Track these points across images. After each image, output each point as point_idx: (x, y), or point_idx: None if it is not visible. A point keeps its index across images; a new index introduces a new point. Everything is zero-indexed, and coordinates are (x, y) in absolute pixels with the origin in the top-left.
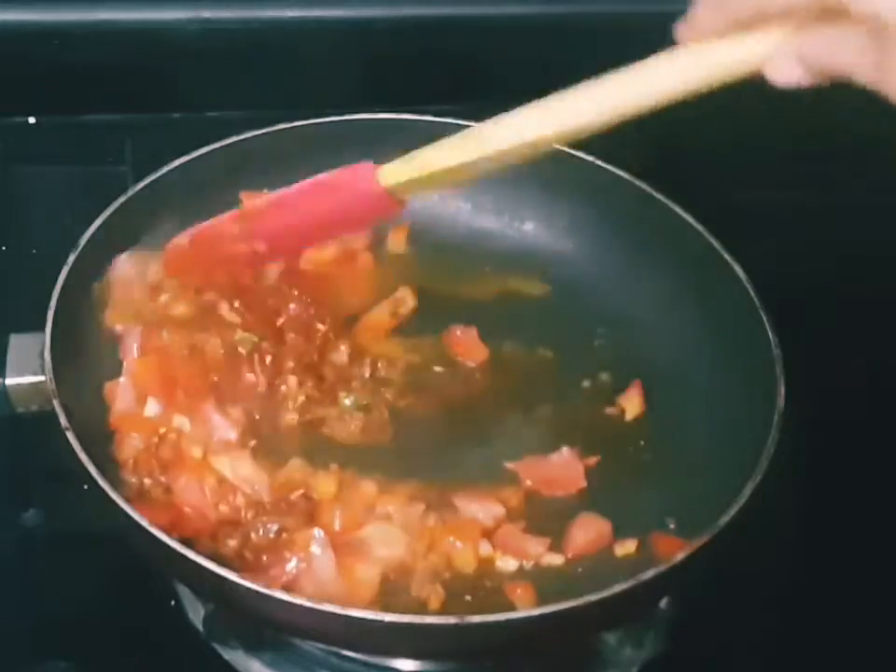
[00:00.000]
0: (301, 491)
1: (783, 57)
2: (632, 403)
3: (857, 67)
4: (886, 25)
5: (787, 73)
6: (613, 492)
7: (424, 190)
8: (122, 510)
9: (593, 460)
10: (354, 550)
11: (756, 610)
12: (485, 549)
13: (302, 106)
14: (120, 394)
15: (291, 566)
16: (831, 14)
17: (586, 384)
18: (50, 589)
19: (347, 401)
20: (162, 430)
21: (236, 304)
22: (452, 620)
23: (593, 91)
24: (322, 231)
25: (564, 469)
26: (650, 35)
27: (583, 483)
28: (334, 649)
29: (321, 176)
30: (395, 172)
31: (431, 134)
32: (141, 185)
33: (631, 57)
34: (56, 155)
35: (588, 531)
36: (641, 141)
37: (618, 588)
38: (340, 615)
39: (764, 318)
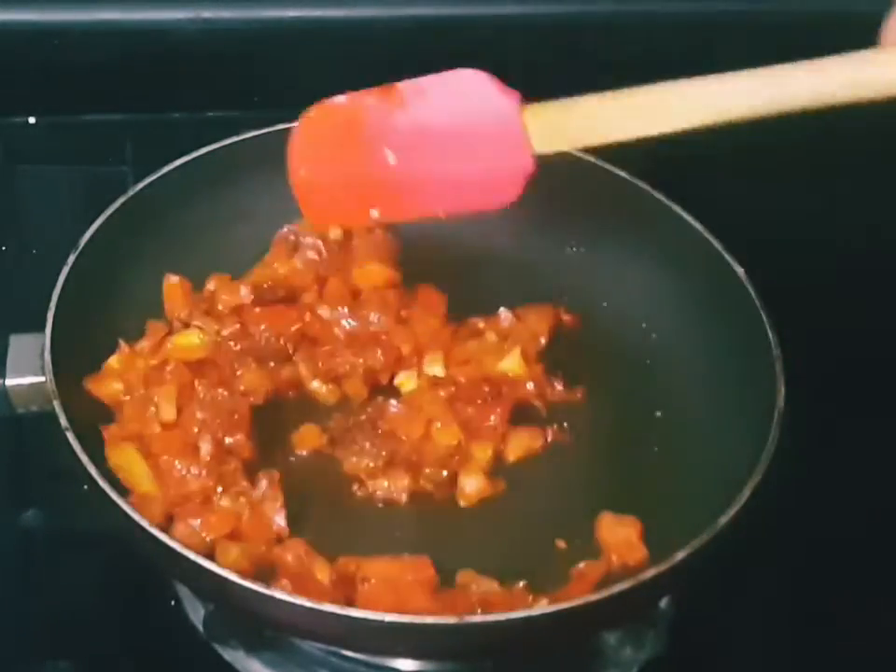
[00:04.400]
0: None
1: None
2: None
3: None
4: None
5: None
6: (615, 491)
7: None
8: (122, 510)
9: None
10: None
11: (756, 610)
12: None
13: (302, 106)
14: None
15: None
16: None
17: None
18: (50, 589)
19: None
20: None
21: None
22: (452, 620)
23: (768, 78)
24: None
25: None
26: (649, 35)
27: None
28: (334, 649)
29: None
30: (547, 141)
31: None
32: (141, 185)
33: (631, 57)
34: (56, 155)
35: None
36: (642, 141)
37: (618, 588)
38: (340, 615)
39: (764, 318)
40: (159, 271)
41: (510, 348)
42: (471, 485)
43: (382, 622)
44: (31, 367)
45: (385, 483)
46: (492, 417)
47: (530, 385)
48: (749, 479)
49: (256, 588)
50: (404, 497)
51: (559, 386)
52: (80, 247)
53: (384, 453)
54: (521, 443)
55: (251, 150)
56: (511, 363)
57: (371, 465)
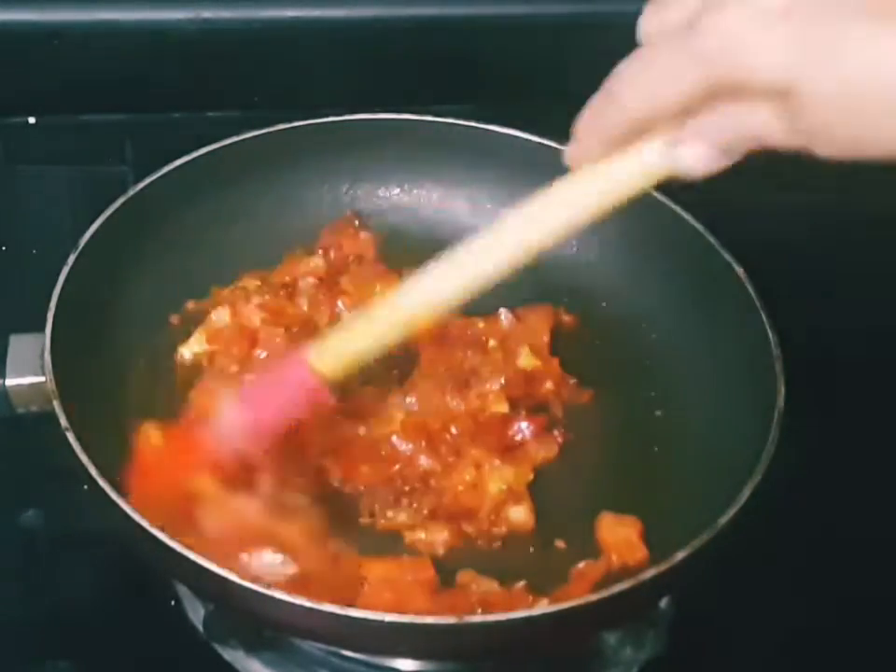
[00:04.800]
0: None
1: (691, 148)
2: None
3: (770, 135)
4: (790, 93)
5: (700, 162)
6: (615, 491)
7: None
8: (122, 510)
9: None
10: None
11: (756, 610)
12: None
13: (302, 106)
14: None
15: None
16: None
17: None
18: (50, 589)
19: None
20: None
21: None
22: (452, 620)
23: (483, 251)
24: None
25: None
26: None
27: None
28: (334, 649)
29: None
30: (323, 362)
31: (431, 134)
32: (141, 185)
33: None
34: (56, 155)
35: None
36: None
37: (618, 588)
38: (340, 615)
39: (764, 318)
40: (159, 271)
41: (516, 346)
42: (519, 514)
43: (382, 622)
44: (31, 367)
45: (423, 535)
46: (524, 431)
47: (549, 385)
48: (748, 479)
49: (256, 588)
50: (442, 551)
51: (572, 381)
52: (80, 247)
53: (424, 510)
54: (538, 454)
55: (251, 150)
56: (527, 358)
57: (410, 521)
